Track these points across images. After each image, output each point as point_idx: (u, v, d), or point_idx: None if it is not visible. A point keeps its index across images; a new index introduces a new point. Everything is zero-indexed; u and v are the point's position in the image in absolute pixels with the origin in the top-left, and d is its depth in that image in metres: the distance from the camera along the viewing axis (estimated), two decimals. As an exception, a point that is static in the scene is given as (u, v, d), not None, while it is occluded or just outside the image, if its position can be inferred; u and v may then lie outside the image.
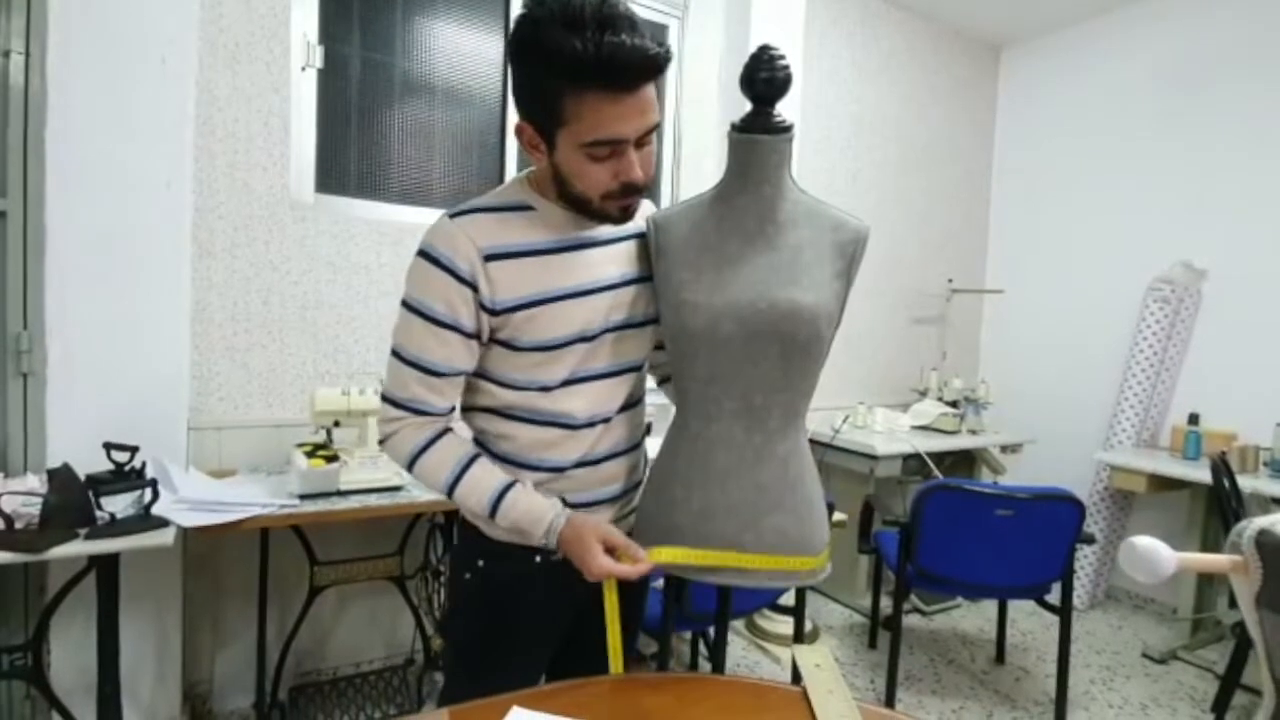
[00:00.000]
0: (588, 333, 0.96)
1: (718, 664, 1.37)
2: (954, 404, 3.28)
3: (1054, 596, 2.15)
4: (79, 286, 1.66)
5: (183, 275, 1.81)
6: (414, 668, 2.22)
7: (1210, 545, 2.73)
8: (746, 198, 0.95)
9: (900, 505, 3.02)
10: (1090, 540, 2.11)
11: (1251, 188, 2.91)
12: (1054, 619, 2.14)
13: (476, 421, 1.03)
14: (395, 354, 0.95)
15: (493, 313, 0.92)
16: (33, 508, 1.37)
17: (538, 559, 1.00)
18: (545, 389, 0.96)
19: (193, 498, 1.61)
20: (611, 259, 0.99)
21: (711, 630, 1.95)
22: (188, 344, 1.85)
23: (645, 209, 1.07)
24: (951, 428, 3.14)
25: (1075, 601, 2.88)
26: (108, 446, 1.47)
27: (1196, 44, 3.08)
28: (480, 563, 1.03)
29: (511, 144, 2.49)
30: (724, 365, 0.92)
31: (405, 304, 0.93)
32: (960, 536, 2.07)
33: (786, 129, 0.94)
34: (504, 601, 1.02)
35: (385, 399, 0.97)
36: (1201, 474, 2.51)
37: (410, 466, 0.97)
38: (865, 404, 3.17)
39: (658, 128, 0.89)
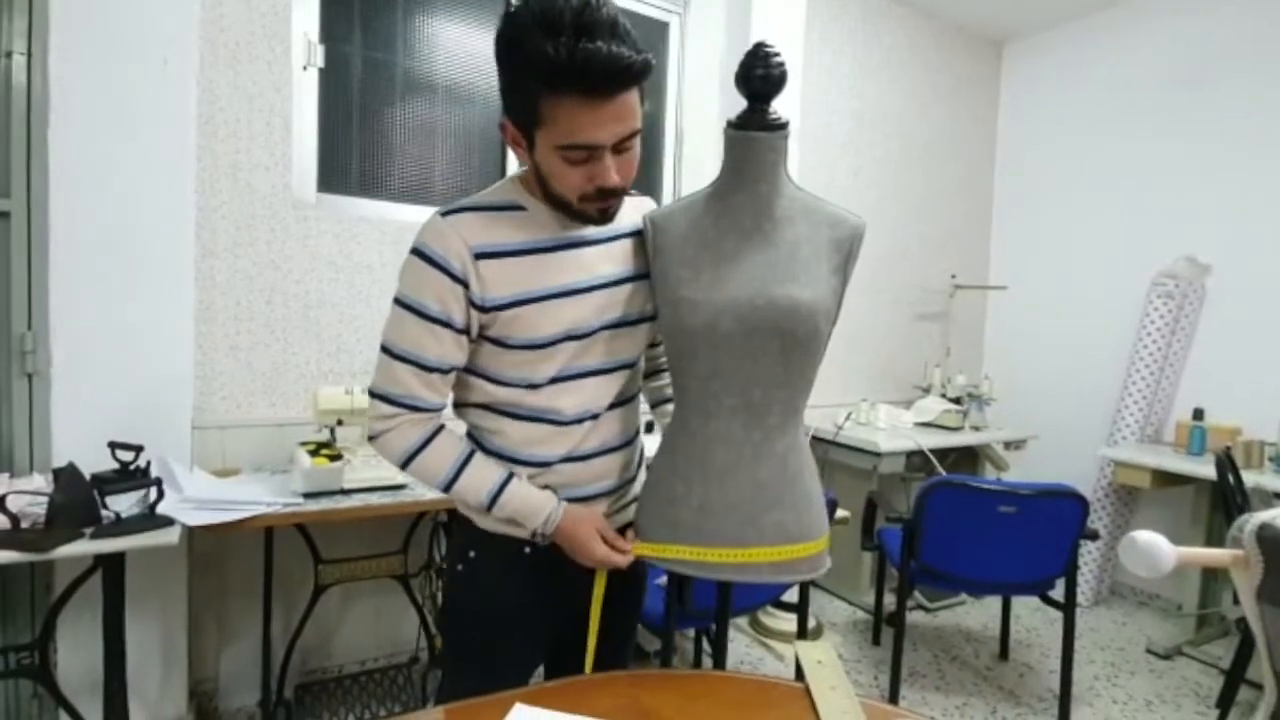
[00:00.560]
0: (577, 331, 0.96)
1: (719, 660, 1.37)
2: (957, 400, 3.27)
3: (1058, 593, 2.14)
4: (83, 286, 1.67)
5: (186, 275, 1.82)
6: (418, 666, 2.23)
7: (1215, 541, 2.72)
8: (743, 195, 0.95)
9: (904, 502, 3.02)
10: (1094, 536, 2.11)
11: (1256, 182, 2.90)
12: (1058, 615, 2.13)
13: (470, 417, 1.04)
14: (388, 351, 0.95)
15: (482, 310, 0.93)
16: (38, 507, 1.37)
17: (527, 550, 1.02)
18: (533, 386, 0.97)
19: (197, 497, 1.61)
20: (606, 257, 1.00)
21: (714, 627, 1.95)
22: (191, 343, 1.86)
23: (643, 205, 1.08)
24: (955, 424, 3.14)
25: (1079, 597, 2.88)
26: (112, 446, 1.48)
27: (1201, 37, 3.06)
28: (471, 553, 1.05)
29: (513, 142, 2.49)
30: (723, 362, 0.93)
31: (399, 301, 0.94)
32: (964, 533, 2.07)
33: (782, 126, 0.94)
34: (495, 591, 1.04)
35: (377, 396, 0.97)
36: (1206, 469, 2.50)
37: (406, 463, 0.97)
38: (868, 401, 3.17)
39: (639, 133, 0.89)
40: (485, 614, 1.04)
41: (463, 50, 2.42)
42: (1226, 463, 2.25)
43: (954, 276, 3.68)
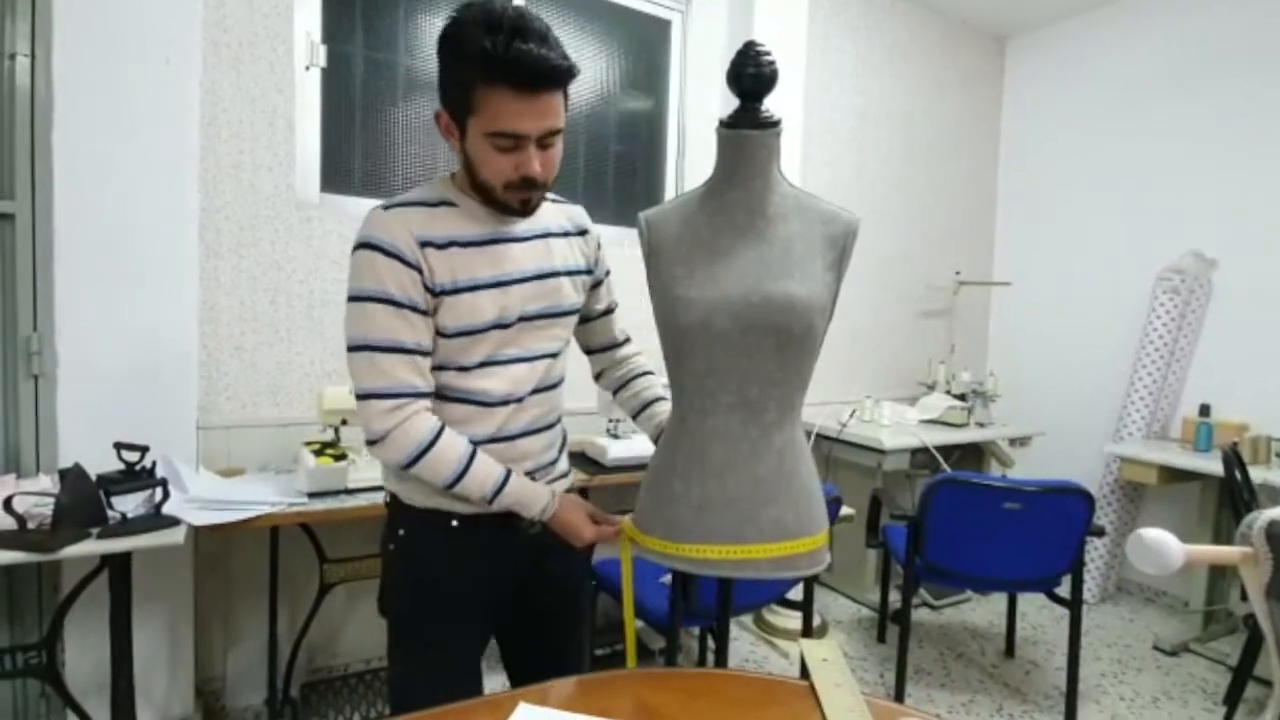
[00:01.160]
0: (504, 320, 1.02)
1: (721, 658, 1.37)
2: (962, 397, 3.26)
3: (1064, 590, 2.13)
4: (88, 288, 1.68)
5: (190, 275, 1.82)
6: (424, 664, 2.24)
7: (1222, 537, 2.72)
8: (736, 193, 0.96)
9: (908, 499, 3.01)
10: (1100, 533, 2.10)
11: (1262, 177, 2.88)
12: (1064, 612, 2.13)
13: None
14: (365, 347, 0.96)
15: (433, 294, 0.98)
16: (45, 508, 1.38)
17: (454, 523, 1.05)
18: (463, 369, 1.03)
19: (203, 496, 1.62)
20: (529, 254, 1.06)
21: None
22: (196, 344, 1.86)
23: (569, 211, 1.16)
24: (959, 421, 3.13)
25: (1086, 594, 2.87)
26: (118, 446, 1.48)
27: (1205, 32, 3.04)
28: (401, 531, 1.09)
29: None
30: (719, 359, 0.93)
31: (361, 297, 0.97)
32: (969, 530, 2.07)
33: (774, 124, 0.95)
34: (429, 564, 1.07)
35: (369, 396, 0.97)
36: (1213, 466, 2.49)
37: (414, 461, 0.97)
38: (872, 398, 3.16)
39: (560, 133, 0.99)
40: (420, 588, 1.07)
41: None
42: (1234, 459, 2.24)
43: (958, 273, 3.67)
